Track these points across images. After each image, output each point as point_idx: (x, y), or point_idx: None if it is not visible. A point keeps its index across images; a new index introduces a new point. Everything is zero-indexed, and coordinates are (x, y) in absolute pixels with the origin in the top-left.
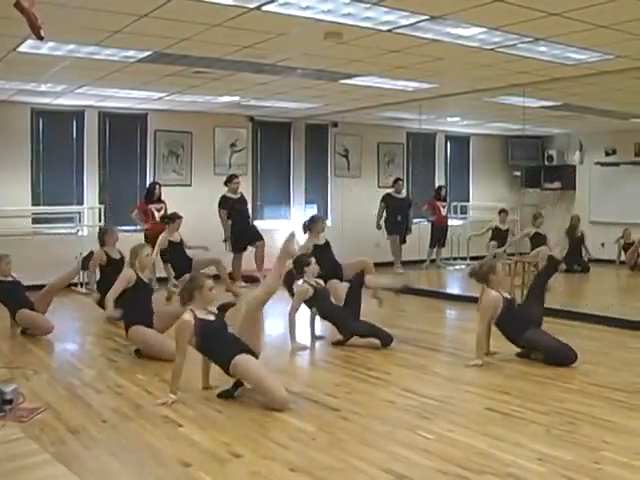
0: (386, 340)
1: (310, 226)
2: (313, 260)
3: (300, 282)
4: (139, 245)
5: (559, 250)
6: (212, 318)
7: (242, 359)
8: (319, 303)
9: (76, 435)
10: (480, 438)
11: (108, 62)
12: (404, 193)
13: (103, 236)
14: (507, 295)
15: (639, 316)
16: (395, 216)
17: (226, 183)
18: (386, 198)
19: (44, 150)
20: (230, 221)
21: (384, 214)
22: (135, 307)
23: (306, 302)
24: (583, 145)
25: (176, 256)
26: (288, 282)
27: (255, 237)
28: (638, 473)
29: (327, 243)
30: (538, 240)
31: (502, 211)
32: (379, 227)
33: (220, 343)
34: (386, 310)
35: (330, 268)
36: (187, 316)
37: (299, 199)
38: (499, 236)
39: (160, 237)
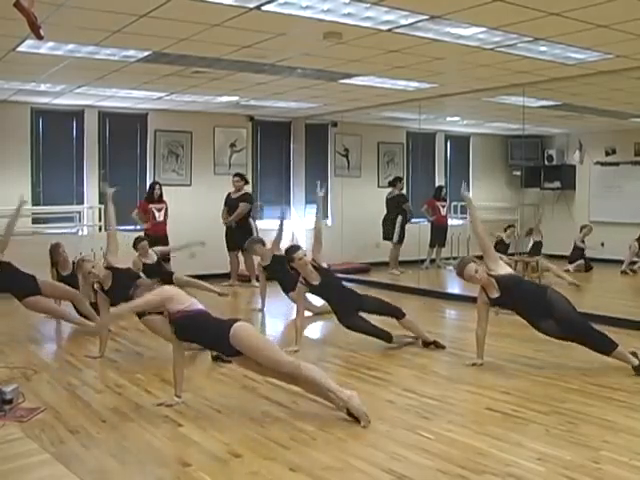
0: (388, 339)
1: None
2: (301, 252)
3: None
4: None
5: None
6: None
7: (238, 327)
8: (323, 290)
9: (76, 435)
10: (480, 438)
11: (108, 62)
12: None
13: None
14: (495, 294)
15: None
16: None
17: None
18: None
19: (44, 150)
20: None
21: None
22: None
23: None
24: (583, 145)
25: (152, 276)
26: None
27: (234, 246)
28: (638, 473)
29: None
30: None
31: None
32: (395, 238)
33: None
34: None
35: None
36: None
37: (299, 199)
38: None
39: (133, 260)
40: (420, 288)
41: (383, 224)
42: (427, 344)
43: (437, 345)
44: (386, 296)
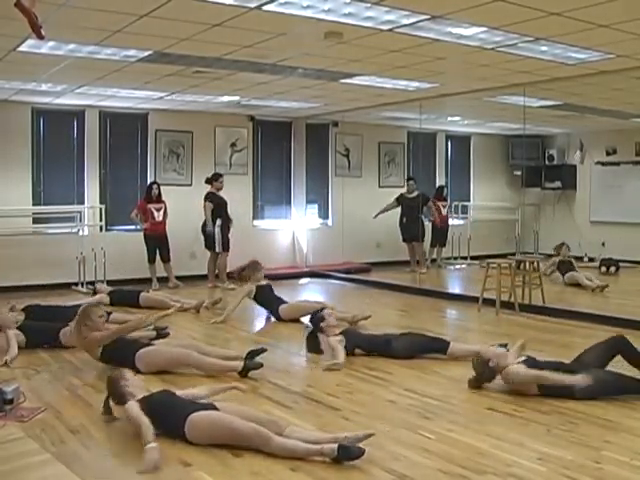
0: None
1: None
2: (326, 312)
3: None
4: (89, 306)
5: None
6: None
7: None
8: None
9: (76, 435)
10: (481, 438)
11: (108, 62)
12: (415, 193)
13: None
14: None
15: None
16: (405, 217)
17: (211, 181)
18: (399, 197)
19: (45, 150)
20: (219, 221)
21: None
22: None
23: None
24: (584, 145)
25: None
26: (312, 347)
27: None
28: (639, 473)
29: (269, 285)
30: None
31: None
32: (375, 217)
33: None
34: (388, 310)
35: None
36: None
37: (300, 199)
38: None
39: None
40: (421, 288)
41: (408, 226)
42: None
43: None
44: (387, 296)
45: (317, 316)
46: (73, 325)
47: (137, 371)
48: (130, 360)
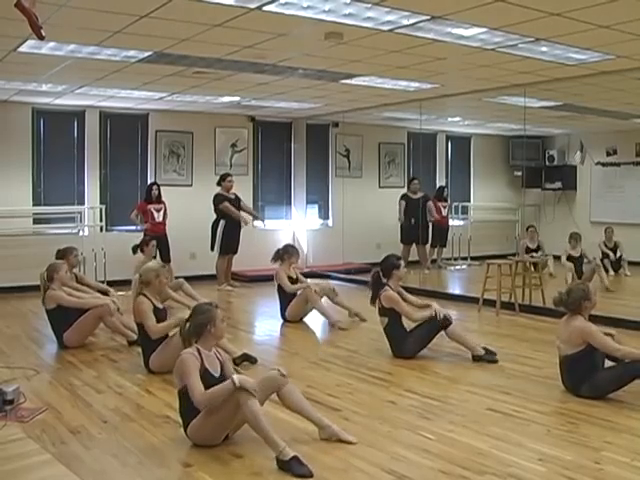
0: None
1: (284, 257)
2: (402, 263)
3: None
4: (159, 266)
5: None
6: (217, 374)
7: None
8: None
9: (77, 435)
10: (481, 438)
11: (109, 62)
12: (419, 194)
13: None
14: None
15: (639, 316)
16: (413, 218)
17: (220, 182)
18: (404, 197)
19: (45, 150)
20: (223, 221)
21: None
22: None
23: (382, 309)
24: (584, 145)
25: None
26: (374, 286)
27: (236, 249)
28: (639, 473)
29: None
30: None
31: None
32: (400, 220)
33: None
34: None
35: None
36: (189, 355)
37: (300, 199)
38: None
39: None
40: (422, 288)
41: (411, 228)
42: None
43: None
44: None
45: (391, 260)
46: (135, 287)
47: (149, 369)
48: (150, 352)
